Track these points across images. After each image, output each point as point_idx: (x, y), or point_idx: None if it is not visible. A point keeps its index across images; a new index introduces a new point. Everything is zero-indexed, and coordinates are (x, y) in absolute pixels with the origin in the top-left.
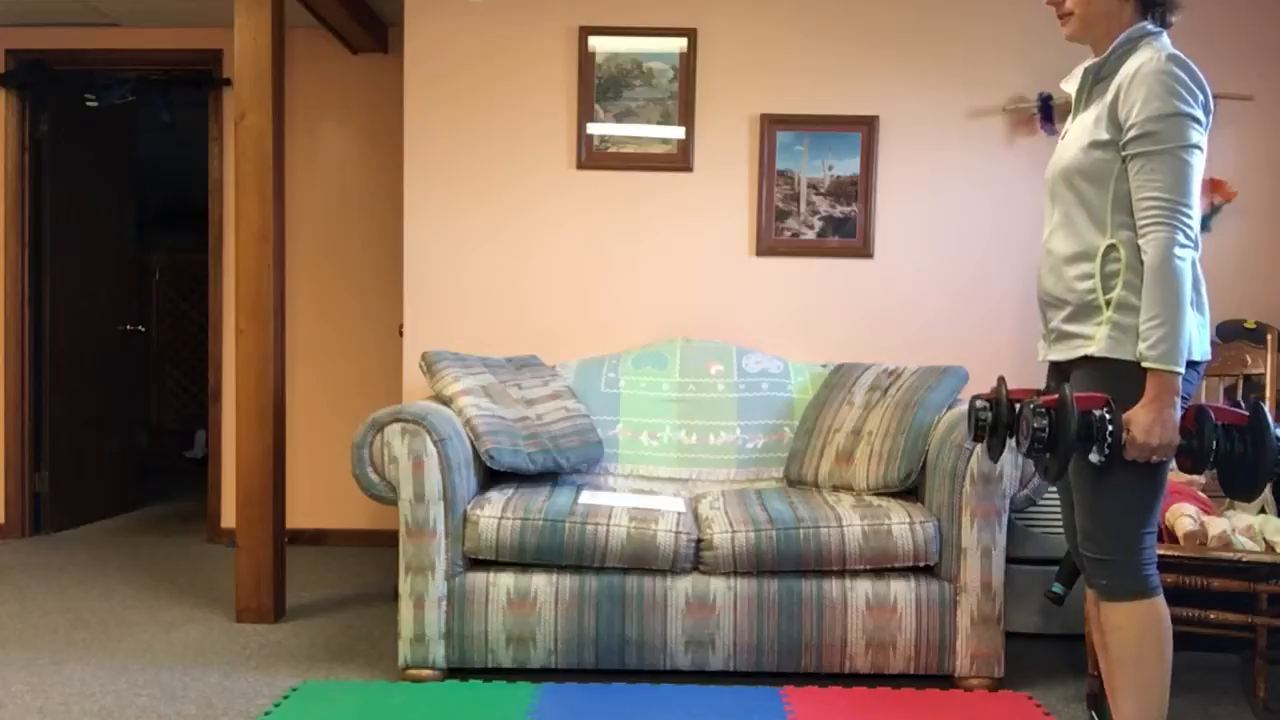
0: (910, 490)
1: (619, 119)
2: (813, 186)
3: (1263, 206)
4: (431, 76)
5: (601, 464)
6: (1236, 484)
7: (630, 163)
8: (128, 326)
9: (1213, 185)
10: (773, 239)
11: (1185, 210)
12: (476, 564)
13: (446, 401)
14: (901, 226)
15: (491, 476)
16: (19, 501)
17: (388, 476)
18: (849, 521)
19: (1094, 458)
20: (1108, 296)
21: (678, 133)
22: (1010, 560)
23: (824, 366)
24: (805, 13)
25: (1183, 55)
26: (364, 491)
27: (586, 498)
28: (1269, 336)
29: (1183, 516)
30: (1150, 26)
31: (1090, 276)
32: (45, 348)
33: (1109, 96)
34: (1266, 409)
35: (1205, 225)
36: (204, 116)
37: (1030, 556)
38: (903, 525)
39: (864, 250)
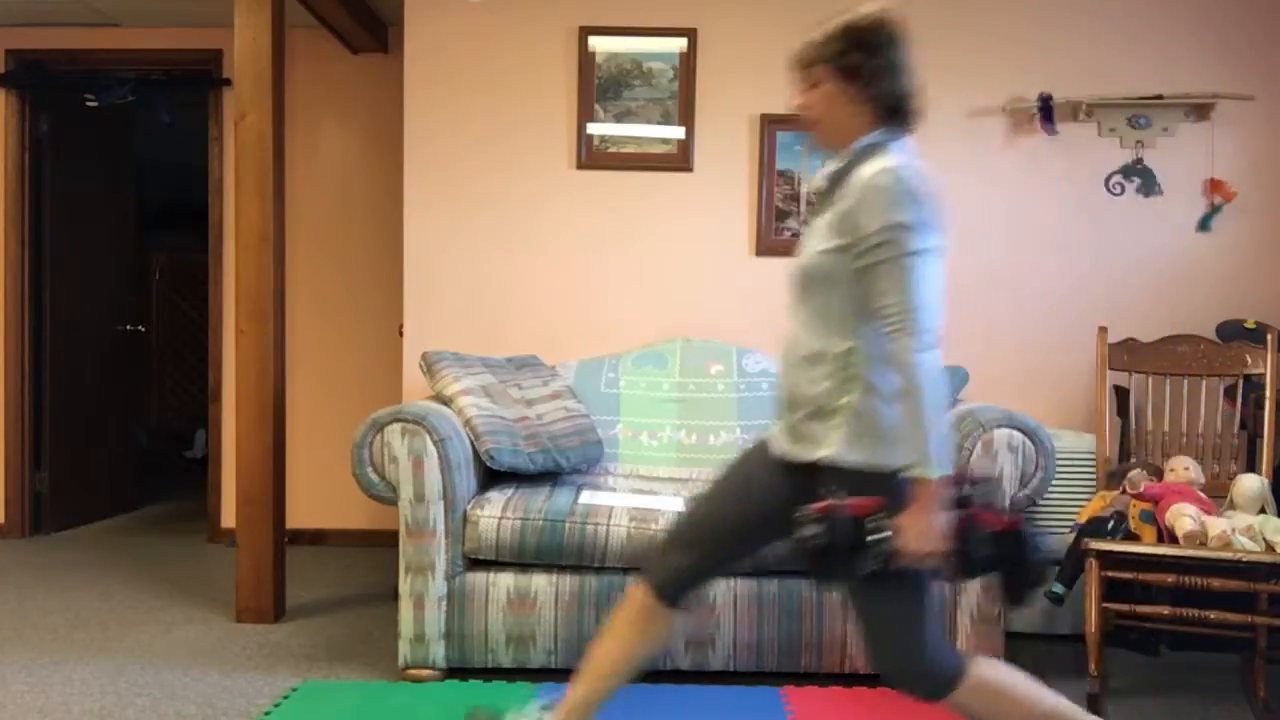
0: None
1: (619, 119)
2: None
3: (1263, 206)
4: (431, 76)
5: (601, 464)
6: (1008, 590)
7: (630, 163)
8: (128, 326)
9: (1213, 185)
10: (773, 239)
11: (919, 314)
12: (476, 564)
13: (446, 401)
14: None
15: (491, 476)
16: (19, 501)
17: (388, 476)
18: None
19: (868, 567)
20: (844, 400)
21: (678, 133)
22: None
23: None
24: (805, 13)
25: (909, 163)
26: (364, 491)
27: (586, 498)
28: (1269, 336)
29: (1183, 516)
30: (883, 135)
31: (828, 378)
32: (45, 348)
33: (842, 204)
34: (1029, 530)
35: (1205, 225)
36: (204, 116)
37: None
38: None
39: None
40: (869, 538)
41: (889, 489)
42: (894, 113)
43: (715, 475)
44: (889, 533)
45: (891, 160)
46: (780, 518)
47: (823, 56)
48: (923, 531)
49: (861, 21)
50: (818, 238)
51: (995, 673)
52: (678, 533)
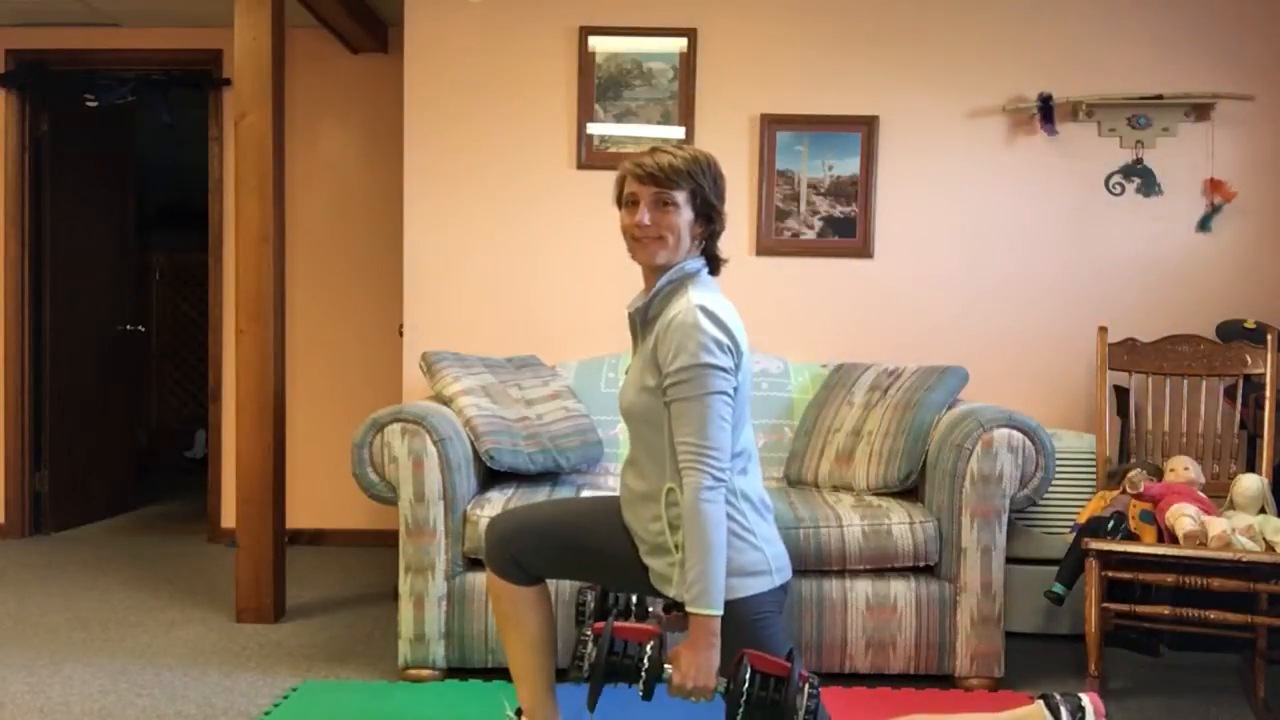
0: (910, 490)
1: (619, 119)
2: (813, 186)
3: (1263, 206)
4: (431, 76)
5: (601, 464)
6: None
7: None
8: (128, 326)
9: (1213, 185)
10: (773, 239)
11: (711, 454)
12: (476, 564)
13: (446, 401)
14: (901, 226)
15: (491, 476)
16: (19, 501)
17: (388, 476)
18: (849, 521)
19: (639, 691)
20: (675, 539)
21: (678, 133)
22: (1010, 560)
23: (824, 366)
24: (805, 13)
25: (713, 301)
26: (364, 491)
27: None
28: (1269, 336)
29: (1183, 517)
30: (691, 265)
31: (658, 518)
32: (45, 348)
33: (652, 342)
34: (799, 671)
35: (1205, 225)
36: (204, 116)
37: (1030, 556)
38: (903, 525)
39: (864, 250)
40: (639, 662)
41: (732, 624)
42: (710, 256)
43: (591, 498)
44: (651, 660)
45: (698, 298)
46: (606, 571)
47: (688, 184)
48: (690, 667)
49: (717, 165)
50: (636, 375)
51: None
52: (529, 523)
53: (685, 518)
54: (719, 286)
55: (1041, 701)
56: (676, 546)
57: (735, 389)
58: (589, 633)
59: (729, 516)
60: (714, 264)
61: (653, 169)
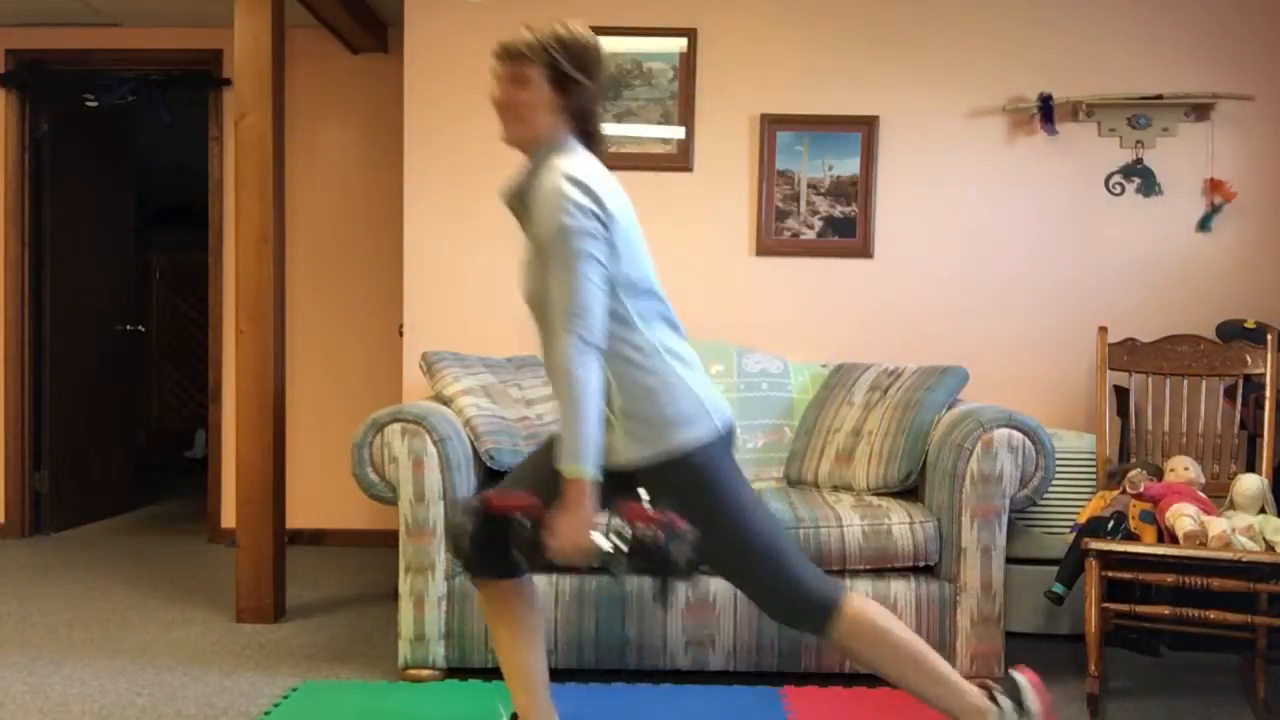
0: (910, 490)
1: (619, 119)
2: (813, 186)
3: (1263, 206)
4: (431, 76)
5: None
6: (653, 582)
7: (630, 163)
8: (128, 326)
9: (1213, 185)
10: (773, 239)
11: (578, 316)
12: None
13: (446, 401)
14: (901, 226)
15: (491, 476)
16: (19, 501)
17: (388, 476)
18: (849, 521)
19: (519, 559)
20: (610, 409)
21: (678, 133)
22: (1010, 560)
23: (824, 366)
24: (805, 13)
25: (582, 166)
26: (364, 491)
27: None
28: (1269, 336)
29: (1183, 516)
30: (559, 141)
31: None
32: (45, 348)
33: (534, 216)
34: (674, 520)
35: (1205, 225)
36: (204, 116)
37: (1030, 556)
38: (903, 525)
39: (864, 250)
40: (515, 529)
41: (680, 475)
42: (584, 132)
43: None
44: (528, 526)
45: (565, 164)
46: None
47: (541, 59)
48: (568, 526)
49: (581, 39)
50: (530, 256)
51: (873, 610)
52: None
53: (554, 380)
54: (594, 159)
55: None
56: (615, 413)
57: (616, 252)
58: (463, 508)
59: (652, 371)
60: (591, 139)
61: (508, 47)
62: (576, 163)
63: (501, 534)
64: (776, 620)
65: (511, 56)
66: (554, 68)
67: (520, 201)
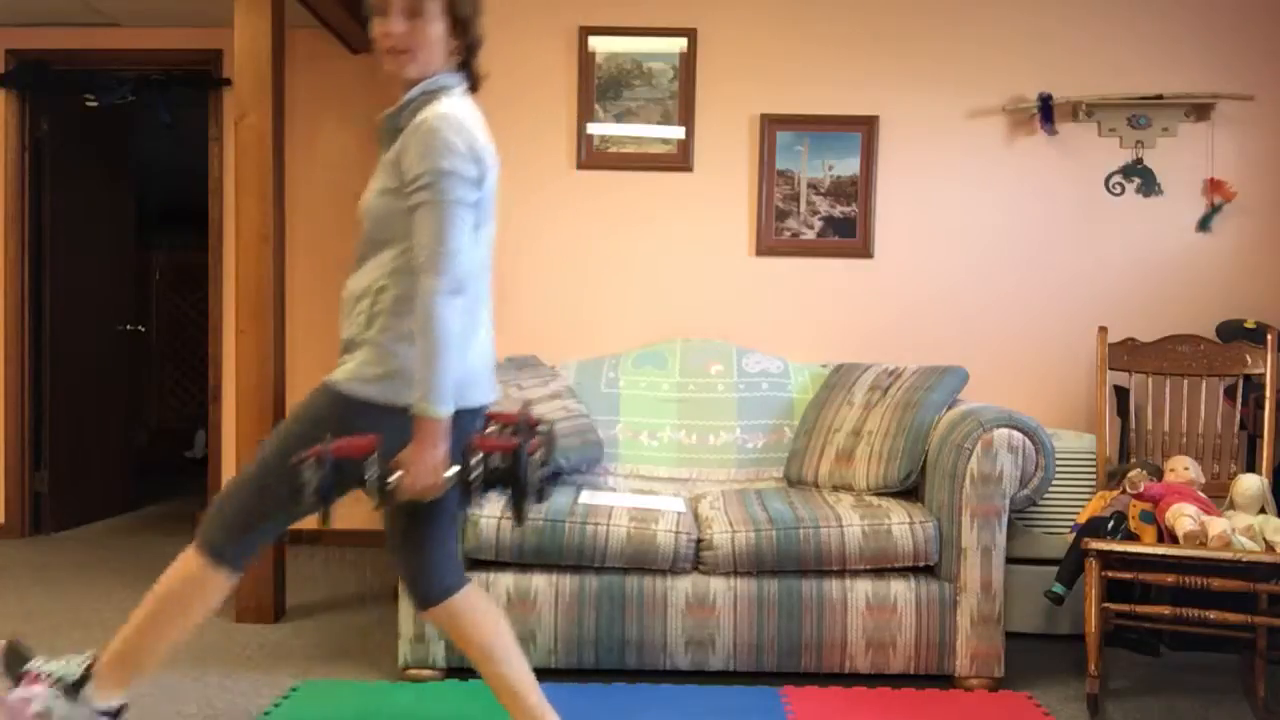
0: (910, 490)
1: (619, 119)
2: (813, 186)
3: (1263, 206)
4: None
5: (601, 464)
6: (511, 507)
7: (630, 163)
8: (128, 326)
9: (1213, 185)
10: (773, 239)
11: (448, 258)
12: (476, 564)
13: None
14: (901, 226)
15: None
16: (19, 501)
17: None
18: (849, 521)
19: (374, 502)
20: (367, 335)
21: (678, 133)
22: (1010, 560)
23: (824, 366)
24: (805, 13)
25: (462, 112)
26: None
27: (586, 498)
28: (1269, 336)
29: (1183, 516)
30: (446, 79)
31: (362, 314)
32: (45, 348)
33: (398, 146)
34: (527, 446)
35: (1205, 225)
36: (204, 116)
37: (1030, 556)
38: (903, 525)
39: (864, 250)
40: (365, 475)
41: (400, 424)
42: (468, 69)
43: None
44: (377, 470)
45: (446, 108)
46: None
47: None
48: (423, 466)
49: None
50: (377, 179)
51: (476, 603)
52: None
53: (418, 320)
54: (473, 105)
55: None
56: (366, 343)
57: (478, 200)
58: (304, 458)
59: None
60: (474, 81)
61: None
62: (462, 108)
63: (349, 480)
64: (402, 578)
65: None
66: (452, 6)
67: (392, 134)
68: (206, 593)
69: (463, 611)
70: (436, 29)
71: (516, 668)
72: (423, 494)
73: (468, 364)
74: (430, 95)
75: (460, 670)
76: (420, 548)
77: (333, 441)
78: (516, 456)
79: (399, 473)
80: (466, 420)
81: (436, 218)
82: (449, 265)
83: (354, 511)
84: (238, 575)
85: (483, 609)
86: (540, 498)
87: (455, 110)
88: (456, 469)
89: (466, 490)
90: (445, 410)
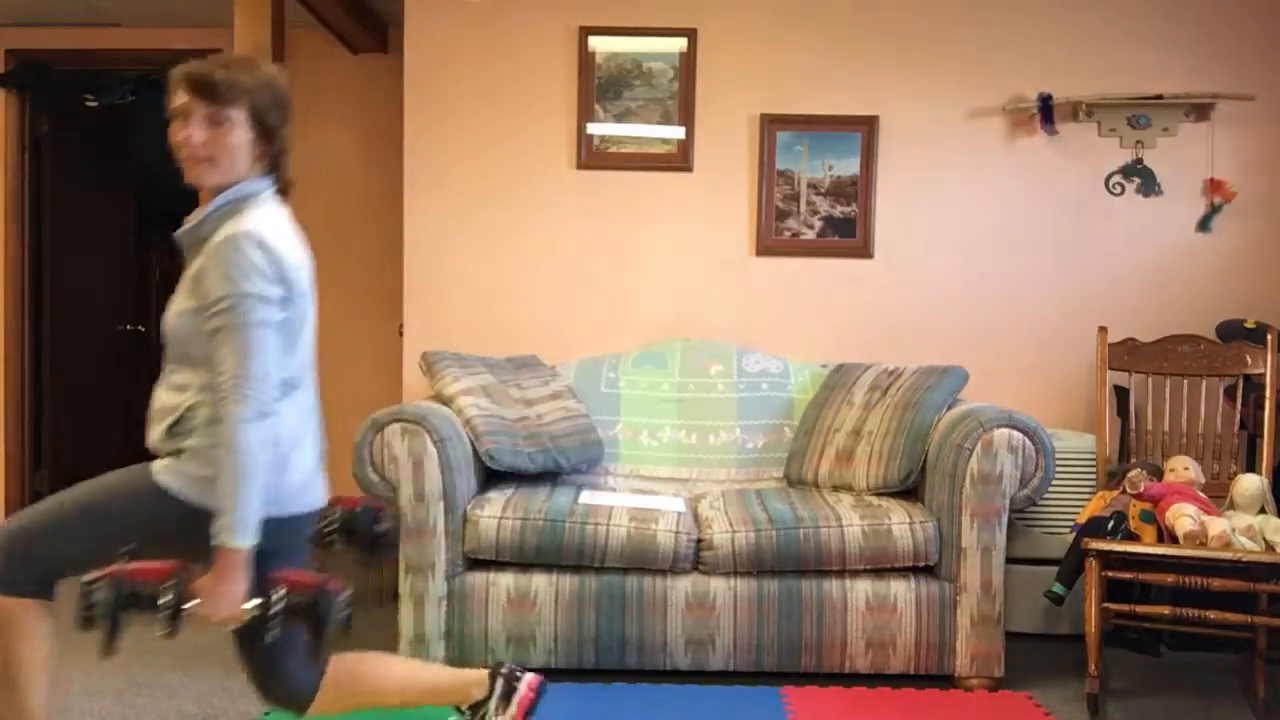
0: (910, 490)
1: (619, 119)
2: (813, 186)
3: (1263, 206)
4: (432, 76)
5: (601, 464)
6: (310, 640)
7: (630, 163)
8: (128, 326)
9: (1213, 185)
10: (773, 239)
11: (252, 384)
12: (476, 564)
13: (446, 401)
14: (901, 226)
15: (491, 476)
16: (19, 501)
17: (388, 476)
18: (849, 521)
19: (162, 631)
20: (186, 444)
21: (678, 133)
22: (1010, 560)
23: (824, 366)
24: (805, 13)
25: (268, 227)
26: (364, 491)
27: (586, 498)
28: (1269, 336)
29: (1183, 516)
30: (251, 187)
31: (179, 431)
32: (45, 348)
33: (198, 264)
34: (330, 582)
35: (1205, 225)
36: None
37: (1030, 556)
38: (903, 525)
39: (864, 250)
40: (160, 601)
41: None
42: (275, 181)
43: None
44: (173, 596)
45: (250, 222)
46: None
47: (247, 102)
48: (220, 598)
49: (281, 83)
50: (179, 296)
51: (345, 667)
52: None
53: (220, 449)
54: (284, 211)
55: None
56: (187, 448)
57: (287, 318)
58: (92, 578)
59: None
60: (282, 187)
61: (206, 82)
62: (266, 220)
63: (142, 604)
64: (260, 696)
65: (208, 94)
66: (257, 112)
67: (194, 246)
68: (17, 628)
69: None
70: (241, 136)
71: (398, 676)
72: (219, 625)
73: (299, 472)
74: (235, 205)
75: None
76: (265, 659)
77: (129, 563)
78: (319, 595)
79: (195, 601)
80: (295, 526)
81: (238, 342)
82: (252, 391)
83: None
84: (44, 598)
85: (337, 679)
86: (346, 628)
87: (259, 224)
88: (257, 601)
89: (264, 625)
90: (247, 542)
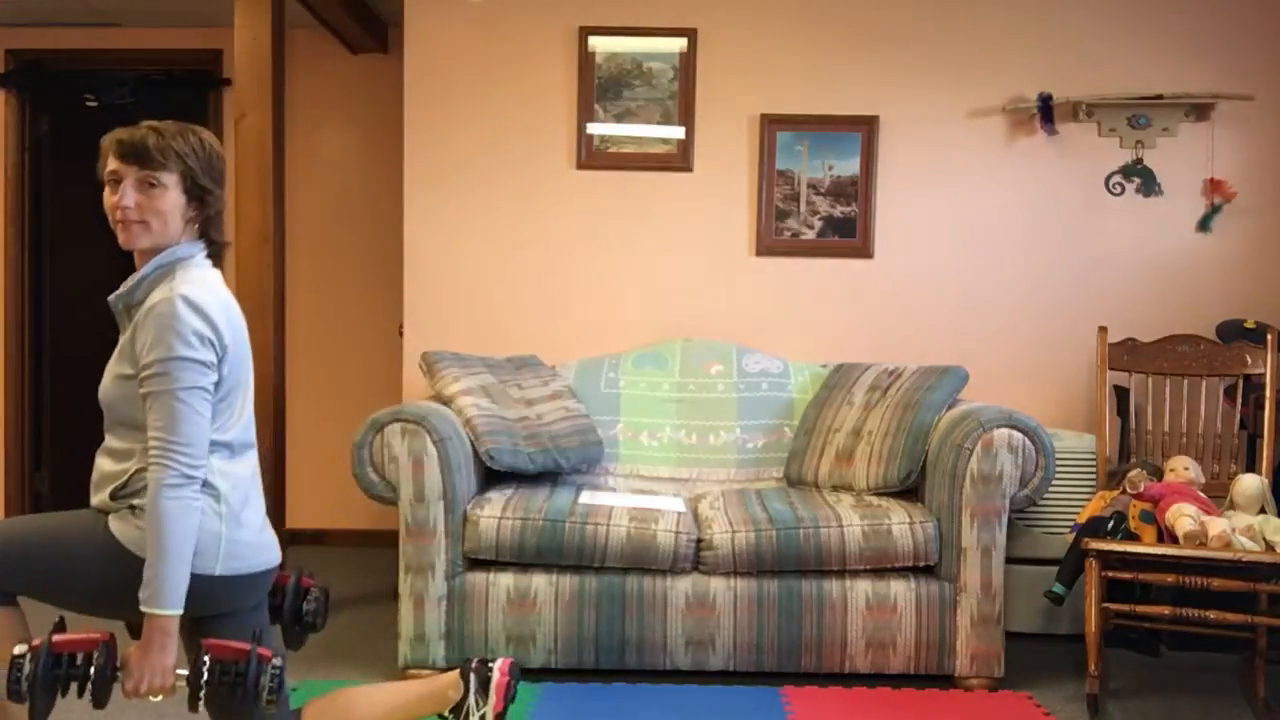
0: (910, 490)
1: (619, 119)
2: (813, 186)
3: (1263, 206)
4: (431, 76)
5: (601, 464)
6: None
7: (630, 163)
8: None
9: (1213, 185)
10: (773, 239)
11: (179, 450)
12: (476, 564)
13: (446, 401)
14: (901, 226)
15: (491, 476)
16: (19, 501)
17: (388, 476)
18: (849, 521)
19: (90, 701)
20: (134, 502)
21: (678, 133)
22: (1010, 560)
23: (824, 366)
24: (805, 13)
25: (200, 292)
26: (364, 491)
27: (586, 498)
28: (1269, 336)
29: (1183, 517)
30: (184, 250)
31: (122, 493)
32: (45, 348)
33: (131, 330)
34: (259, 651)
35: (1205, 225)
36: (204, 116)
37: (1030, 556)
38: (903, 525)
39: (864, 250)
40: (90, 671)
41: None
42: (209, 241)
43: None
44: (98, 669)
45: (183, 287)
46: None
47: (179, 166)
48: (149, 668)
49: (215, 147)
50: (114, 362)
51: (330, 707)
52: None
53: (147, 514)
54: (218, 273)
55: (457, 671)
56: (137, 506)
57: (220, 381)
58: (21, 651)
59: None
60: (214, 249)
61: (138, 147)
62: (201, 287)
63: (68, 675)
64: None
65: (140, 158)
66: (189, 175)
67: (125, 305)
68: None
69: None
70: (173, 199)
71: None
72: (146, 695)
73: (251, 531)
74: (167, 269)
75: None
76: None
77: (55, 634)
78: (248, 665)
79: (122, 671)
80: (252, 583)
81: (168, 407)
82: (181, 457)
83: (354, 511)
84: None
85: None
86: (262, 698)
87: (191, 288)
88: (184, 673)
89: (196, 695)
90: (173, 610)
